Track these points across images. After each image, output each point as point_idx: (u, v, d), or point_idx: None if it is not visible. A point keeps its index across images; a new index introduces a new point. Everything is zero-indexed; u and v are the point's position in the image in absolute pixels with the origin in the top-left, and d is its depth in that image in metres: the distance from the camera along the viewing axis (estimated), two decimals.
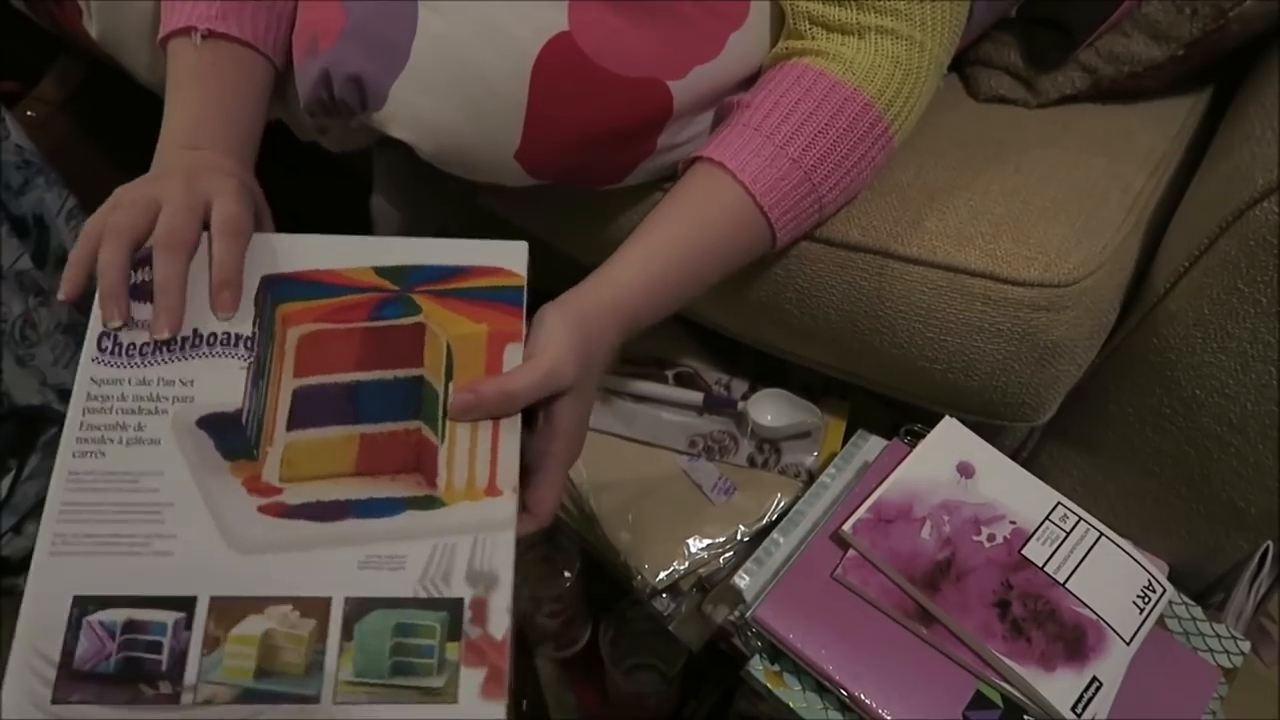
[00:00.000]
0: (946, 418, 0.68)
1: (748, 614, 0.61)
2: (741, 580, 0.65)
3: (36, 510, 0.92)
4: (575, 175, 0.69)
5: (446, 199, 0.80)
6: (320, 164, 1.16)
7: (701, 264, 0.63)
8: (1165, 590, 0.62)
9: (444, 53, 0.60)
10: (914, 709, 0.58)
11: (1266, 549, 0.72)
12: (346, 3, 0.61)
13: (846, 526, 0.63)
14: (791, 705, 0.59)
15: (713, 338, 0.86)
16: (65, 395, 0.90)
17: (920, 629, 0.60)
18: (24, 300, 0.88)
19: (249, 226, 0.57)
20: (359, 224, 0.93)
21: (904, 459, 0.67)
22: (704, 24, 0.65)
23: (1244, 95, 0.74)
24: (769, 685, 0.60)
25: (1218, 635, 0.64)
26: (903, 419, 0.83)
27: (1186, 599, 0.65)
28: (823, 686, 0.60)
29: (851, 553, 0.63)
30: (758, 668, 0.61)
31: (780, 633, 0.60)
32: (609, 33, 0.62)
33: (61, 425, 0.93)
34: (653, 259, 0.62)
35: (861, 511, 0.63)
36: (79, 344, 0.92)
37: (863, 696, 0.58)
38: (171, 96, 0.65)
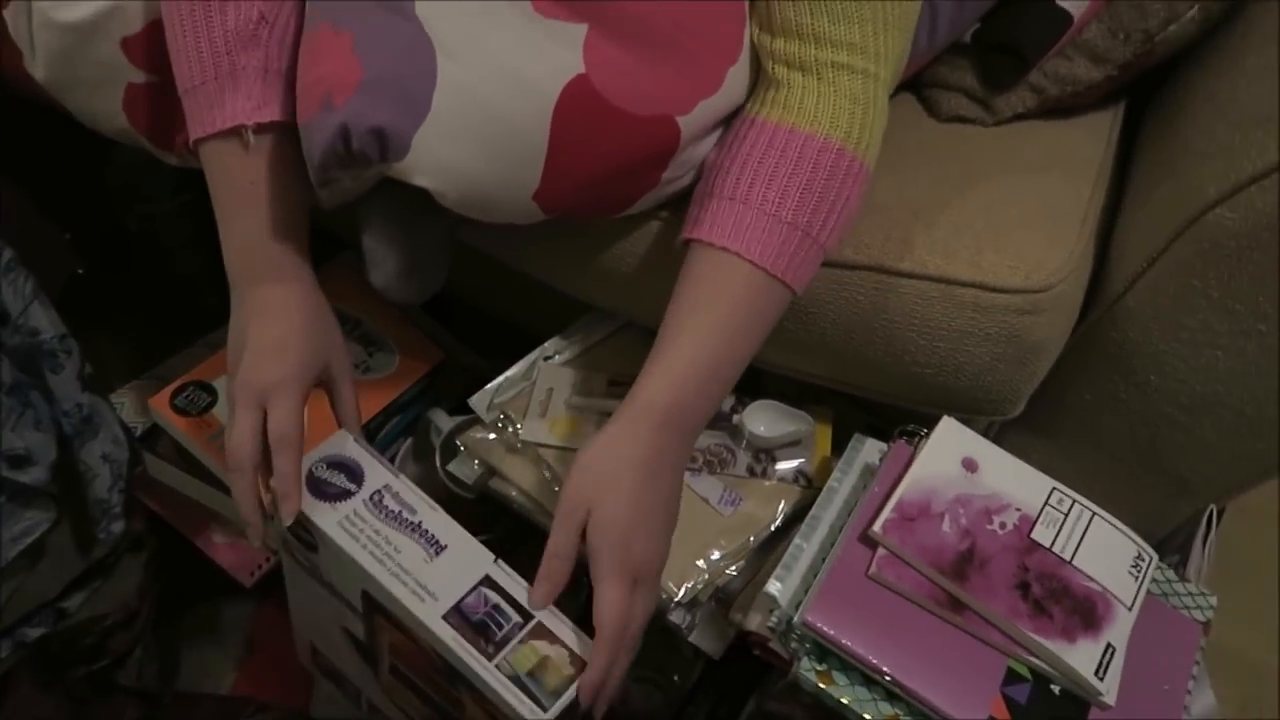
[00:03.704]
0: (945, 418, 0.74)
1: (796, 619, 0.65)
2: (774, 586, 0.68)
3: None
4: (584, 210, 0.71)
5: (435, 232, 0.79)
6: None
7: (737, 347, 0.66)
8: (1153, 558, 0.69)
9: (465, 100, 0.61)
10: (956, 690, 0.62)
11: (1211, 512, 0.81)
12: (360, 54, 0.61)
13: (876, 527, 0.67)
14: (845, 700, 0.63)
15: None
16: (15, 462, 0.84)
17: (953, 616, 0.65)
18: None
19: (299, 433, 0.66)
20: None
21: (910, 459, 0.72)
22: (705, 60, 0.68)
23: (1165, 109, 0.83)
24: (820, 684, 0.64)
25: (1190, 594, 0.72)
26: (874, 419, 0.88)
27: (1162, 564, 0.73)
28: (869, 679, 0.64)
29: (882, 551, 0.67)
30: (808, 669, 0.65)
31: (832, 634, 0.63)
32: (622, 73, 0.64)
33: (10, 496, 0.86)
34: (683, 362, 0.64)
35: (887, 512, 0.68)
36: (26, 406, 0.86)
37: (911, 684, 0.62)
38: (226, 213, 0.68)
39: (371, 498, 0.68)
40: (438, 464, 0.89)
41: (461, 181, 0.63)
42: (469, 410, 0.88)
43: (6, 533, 0.86)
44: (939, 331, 0.73)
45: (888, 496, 0.69)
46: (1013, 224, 0.74)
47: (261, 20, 0.66)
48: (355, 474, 0.70)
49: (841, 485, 0.75)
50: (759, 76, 0.70)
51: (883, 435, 0.88)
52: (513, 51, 0.61)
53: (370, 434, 0.96)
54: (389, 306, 1.01)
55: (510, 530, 0.85)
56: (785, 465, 0.83)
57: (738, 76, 0.69)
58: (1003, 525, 0.68)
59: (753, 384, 0.89)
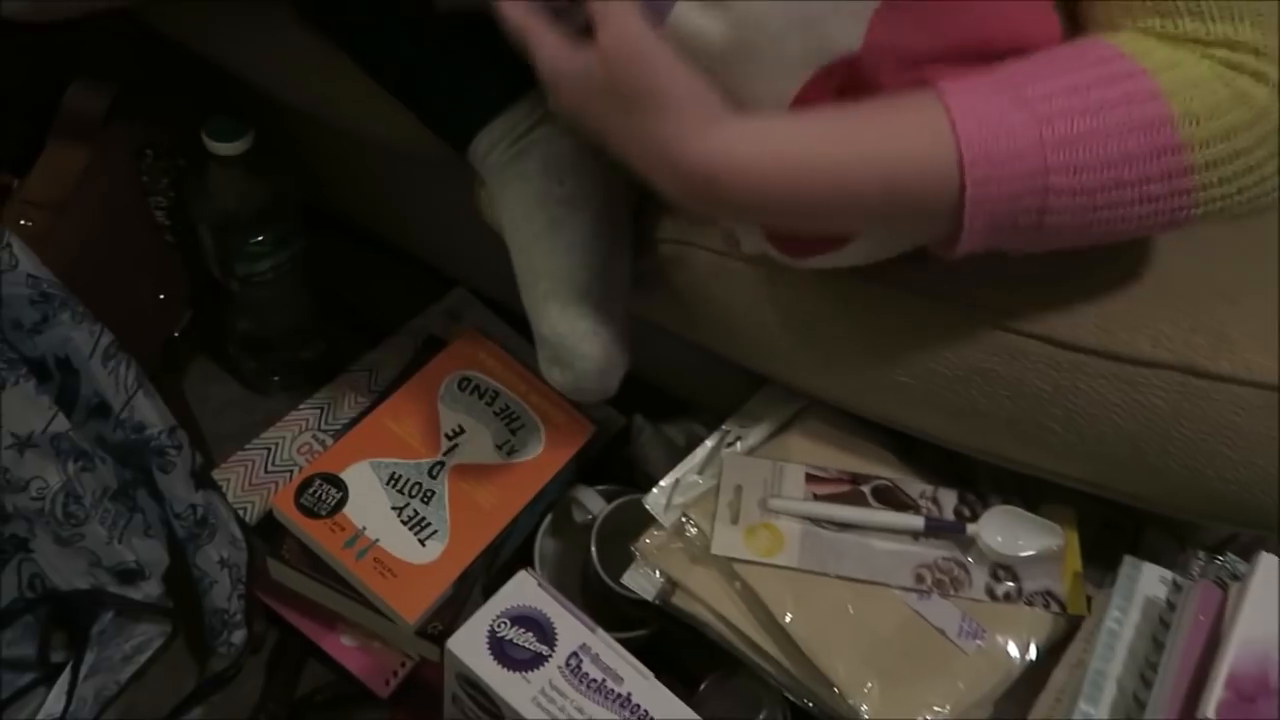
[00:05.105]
0: (1265, 555, 0.60)
1: None
2: None
3: (100, 716, 0.75)
4: None
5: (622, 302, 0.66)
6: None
7: (851, 171, 0.49)
8: None
9: None
10: None
11: None
12: None
13: (1209, 713, 0.54)
14: None
15: (882, 431, 0.76)
16: (125, 576, 0.73)
17: None
18: (62, 469, 0.70)
19: None
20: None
21: (1222, 607, 0.59)
22: None
23: None
24: None
25: None
26: (1109, 509, 0.75)
27: None
28: None
29: None
30: None
31: None
32: None
33: (119, 610, 0.76)
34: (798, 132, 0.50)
35: (1218, 689, 0.54)
36: (133, 510, 0.75)
37: None
38: None
39: (568, 663, 0.57)
40: (593, 559, 0.77)
41: None
42: (609, 478, 0.83)
43: (117, 651, 0.76)
44: (1257, 446, 0.59)
45: (1205, 660, 0.56)
46: None
47: None
48: (546, 632, 0.58)
49: (1123, 628, 0.62)
50: None
51: (1122, 533, 0.75)
52: None
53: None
54: (523, 370, 0.89)
55: (666, 626, 0.73)
56: (1032, 586, 0.69)
57: None
58: None
59: (964, 470, 0.76)
